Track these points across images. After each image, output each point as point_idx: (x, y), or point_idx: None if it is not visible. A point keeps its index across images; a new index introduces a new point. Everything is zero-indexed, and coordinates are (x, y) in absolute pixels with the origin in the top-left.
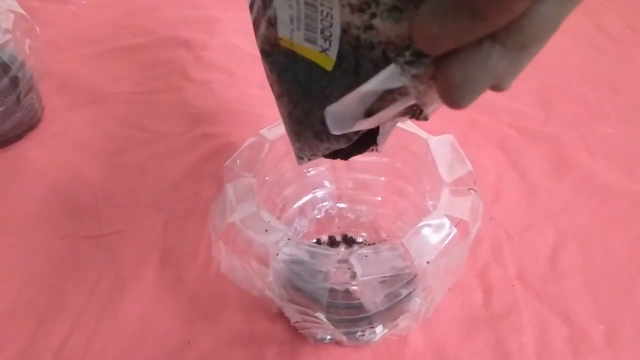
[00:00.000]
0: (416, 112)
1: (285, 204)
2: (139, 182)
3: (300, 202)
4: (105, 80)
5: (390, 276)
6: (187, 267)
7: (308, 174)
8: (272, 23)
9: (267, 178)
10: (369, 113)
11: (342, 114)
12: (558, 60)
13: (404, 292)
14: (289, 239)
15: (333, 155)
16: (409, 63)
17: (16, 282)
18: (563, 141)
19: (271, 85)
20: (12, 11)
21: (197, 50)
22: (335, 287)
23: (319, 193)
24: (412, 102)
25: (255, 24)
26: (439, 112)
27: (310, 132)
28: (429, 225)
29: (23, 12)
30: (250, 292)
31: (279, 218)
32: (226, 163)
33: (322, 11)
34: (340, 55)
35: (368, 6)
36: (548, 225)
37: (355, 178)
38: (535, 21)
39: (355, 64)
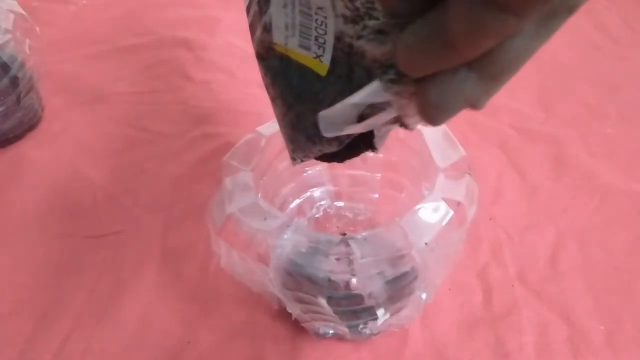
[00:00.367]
0: (403, 123)
1: (283, 203)
2: (139, 182)
3: (298, 201)
4: (105, 80)
5: (390, 263)
6: (187, 267)
7: (305, 173)
8: (267, 29)
9: (264, 177)
10: (360, 118)
11: (335, 118)
12: (558, 60)
13: (405, 280)
14: (288, 225)
15: (328, 158)
16: (392, 81)
17: (16, 282)
18: (563, 141)
19: (266, 88)
20: (12, 11)
21: (197, 50)
22: (336, 277)
23: (317, 192)
24: (395, 113)
25: (252, 28)
26: None
27: (302, 135)
28: (425, 208)
29: (23, 12)
30: (250, 287)
31: None
32: (223, 158)
33: (316, 19)
34: (333, 61)
35: (361, 19)
36: (548, 225)
37: (352, 175)
38: (507, 53)
39: (348, 71)
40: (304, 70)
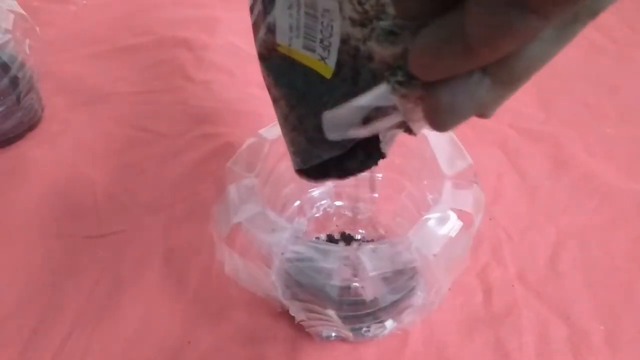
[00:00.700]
0: (408, 128)
1: (285, 203)
2: (139, 182)
3: (299, 201)
4: (105, 80)
5: (395, 271)
6: (188, 267)
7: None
8: (271, 29)
9: (266, 178)
10: (365, 121)
11: (339, 120)
12: (558, 60)
13: (409, 286)
14: (296, 237)
15: (337, 172)
16: (400, 83)
17: (16, 282)
18: (563, 141)
19: (268, 89)
20: (12, 11)
21: (197, 50)
22: (341, 283)
23: (317, 192)
24: (399, 118)
25: (255, 27)
26: None
27: (303, 138)
28: (434, 219)
29: (23, 12)
30: (254, 292)
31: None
32: (227, 164)
33: (322, 22)
34: (339, 64)
35: (370, 22)
36: (548, 225)
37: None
38: (524, 59)
39: (354, 74)
40: (307, 72)
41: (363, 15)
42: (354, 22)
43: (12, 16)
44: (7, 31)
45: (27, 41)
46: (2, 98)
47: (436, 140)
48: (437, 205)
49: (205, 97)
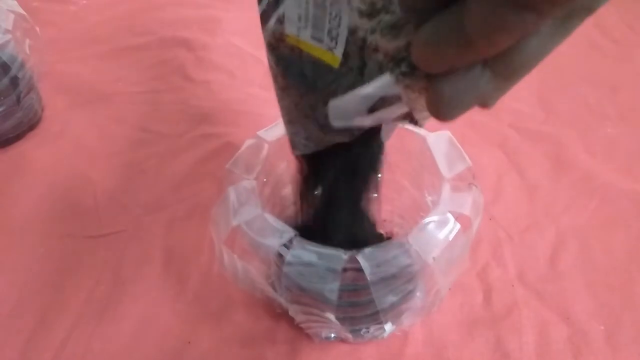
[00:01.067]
0: (413, 119)
1: (284, 204)
2: (139, 182)
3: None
4: (106, 80)
5: (394, 274)
6: (188, 267)
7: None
8: (280, 20)
9: (265, 179)
10: (371, 110)
11: (345, 109)
12: (558, 60)
13: (408, 288)
14: (296, 241)
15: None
16: (403, 74)
17: (16, 282)
18: (563, 141)
19: (275, 78)
20: (12, 11)
21: (197, 50)
22: (340, 287)
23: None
24: (405, 109)
25: (264, 17)
26: None
27: (315, 125)
28: (433, 222)
29: (23, 12)
30: (253, 293)
31: (278, 218)
32: (226, 166)
33: (331, 12)
34: (346, 54)
35: (377, 13)
36: (548, 225)
37: None
38: (523, 53)
39: (360, 64)
40: (316, 62)
41: (371, 7)
42: (362, 13)
43: (12, 16)
44: (7, 31)
45: (27, 41)
46: (2, 98)
47: (435, 142)
48: (435, 208)
49: (205, 97)
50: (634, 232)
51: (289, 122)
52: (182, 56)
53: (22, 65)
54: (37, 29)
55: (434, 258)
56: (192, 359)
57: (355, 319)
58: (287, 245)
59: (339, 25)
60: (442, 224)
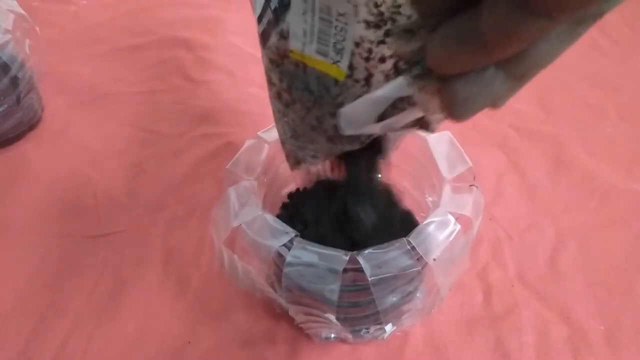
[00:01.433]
0: (424, 125)
1: (283, 204)
2: (139, 182)
3: None
4: (105, 80)
5: (394, 275)
6: (188, 267)
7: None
8: (284, 36)
9: (265, 180)
10: (380, 118)
11: (355, 116)
12: (558, 60)
13: (408, 289)
14: (296, 241)
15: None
16: (417, 77)
17: (16, 282)
18: (563, 141)
19: (278, 95)
20: (12, 11)
21: (197, 50)
22: (340, 288)
23: None
24: (421, 113)
25: (264, 36)
26: None
27: (323, 137)
28: (433, 223)
29: (23, 12)
30: (253, 294)
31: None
32: (227, 166)
33: (336, 26)
34: (351, 67)
35: (384, 23)
36: (548, 225)
37: None
38: (535, 55)
39: (366, 75)
40: (321, 75)
41: (378, 17)
42: (368, 24)
43: (12, 16)
44: (7, 31)
45: (27, 41)
46: (2, 98)
47: (436, 143)
48: (436, 209)
49: (205, 97)
50: (634, 232)
51: (294, 137)
52: (182, 56)
53: (22, 65)
54: (37, 29)
55: (434, 259)
56: (192, 359)
57: (356, 320)
58: (288, 246)
59: (344, 39)
60: (443, 224)
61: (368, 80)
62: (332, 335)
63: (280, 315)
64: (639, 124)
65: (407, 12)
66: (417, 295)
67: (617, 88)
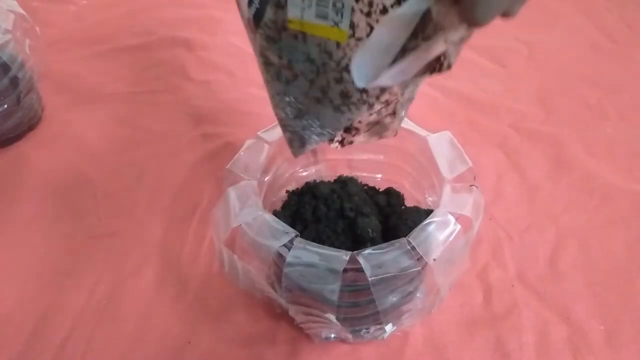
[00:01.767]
0: (438, 65)
1: (283, 203)
2: (139, 182)
3: None
4: (105, 80)
5: (394, 275)
6: (188, 267)
7: (303, 173)
8: (281, 5)
9: (265, 180)
10: (394, 61)
11: (369, 61)
12: (558, 60)
13: (408, 289)
14: (297, 242)
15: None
16: None
17: (16, 282)
18: (563, 141)
19: (278, 74)
20: (12, 11)
21: (197, 50)
22: (341, 288)
23: None
24: (434, 52)
25: (257, 17)
26: (439, 111)
27: (330, 108)
28: (433, 223)
29: (23, 12)
30: (253, 294)
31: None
32: (227, 166)
33: None
34: (352, 25)
35: None
36: (548, 225)
37: (353, 175)
38: None
39: (369, 30)
40: (322, 43)
41: None
42: None
43: (12, 16)
44: (7, 31)
45: (27, 41)
46: (2, 98)
47: (436, 143)
48: (436, 209)
49: (205, 97)
50: (634, 232)
51: (298, 117)
52: (182, 56)
53: (22, 65)
54: (37, 29)
55: (434, 259)
56: (192, 359)
57: (356, 320)
58: (288, 246)
59: None
60: (443, 225)
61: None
62: (332, 335)
63: (280, 315)
64: (639, 124)
65: None
66: (417, 295)
67: (617, 88)
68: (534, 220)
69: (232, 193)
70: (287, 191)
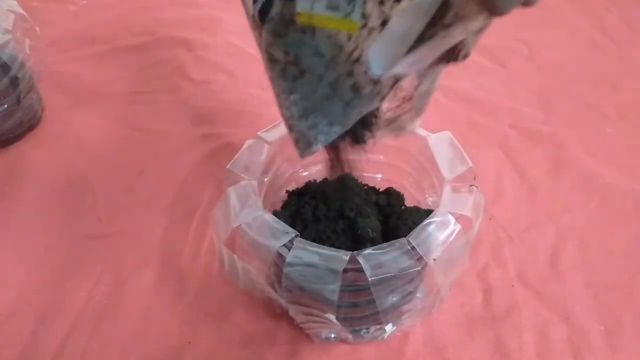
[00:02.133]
0: (454, 54)
1: (283, 203)
2: (139, 182)
3: None
4: (105, 80)
5: (394, 275)
6: (188, 267)
7: (304, 173)
8: None
9: (265, 179)
10: (409, 50)
11: (386, 50)
12: (558, 60)
13: (408, 289)
14: (297, 242)
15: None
16: None
17: (16, 282)
18: (563, 141)
19: (284, 71)
20: (12, 11)
21: (197, 50)
22: (341, 288)
23: None
24: (451, 41)
25: (263, 11)
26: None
27: (339, 104)
28: (433, 223)
29: (23, 12)
30: (253, 294)
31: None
32: (227, 166)
33: None
34: (365, 15)
35: None
36: (548, 225)
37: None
38: None
39: (382, 20)
40: (332, 35)
41: None
42: None
43: (12, 16)
44: (7, 31)
45: (27, 41)
46: (2, 98)
47: (436, 143)
48: (436, 209)
49: (205, 97)
50: (634, 232)
51: (304, 115)
52: (181, 56)
53: (22, 65)
54: (37, 29)
55: (434, 259)
56: (192, 359)
57: (356, 320)
58: (288, 246)
59: None
60: (443, 225)
61: (385, 26)
62: (332, 335)
63: (280, 315)
64: (639, 124)
65: None
66: (417, 295)
67: (617, 88)
68: (534, 220)
69: (232, 193)
70: (287, 191)
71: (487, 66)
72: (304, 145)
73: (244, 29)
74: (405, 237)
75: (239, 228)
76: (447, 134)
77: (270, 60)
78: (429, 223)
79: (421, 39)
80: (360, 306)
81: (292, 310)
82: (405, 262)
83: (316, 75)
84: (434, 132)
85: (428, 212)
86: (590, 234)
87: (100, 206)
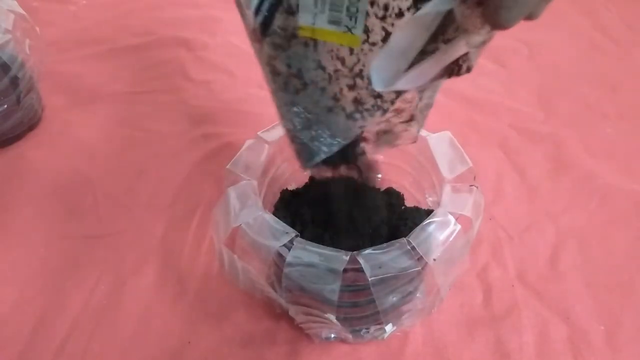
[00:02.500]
0: (457, 68)
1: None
2: (139, 182)
3: None
4: (105, 80)
5: (394, 275)
6: (188, 267)
7: (303, 173)
8: (292, 12)
9: (265, 180)
10: (411, 64)
11: (387, 66)
12: (558, 60)
13: (408, 289)
14: (297, 242)
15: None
16: None
17: (16, 282)
18: (563, 141)
19: (286, 84)
20: (12, 11)
21: (197, 50)
22: (341, 288)
23: None
24: (454, 55)
25: (265, 25)
26: (439, 111)
27: (341, 116)
28: (433, 223)
29: (23, 12)
30: (254, 294)
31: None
32: (227, 166)
33: None
34: (366, 30)
35: None
36: (548, 225)
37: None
38: None
39: (384, 35)
40: (334, 48)
41: None
42: None
43: (12, 16)
44: (7, 31)
45: (27, 41)
46: (2, 98)
47: (436, 143)
48: (436, 209)
49: (205, 97)
50: (634, 232)
51: (306, 127)
52: (181, 56)
53: (22, 65)
54: (37, 29)
55: (434, 259)
56: (192, 359)
57: (356, 320)
58: (288, 246)
59: (358, 0)
60: (443, 225)
61: (386, 40)
62: (332, 335)
63: (280, 315)
64: (639, 124)
65: None
66: (417, 295)
67: (617, 88)
68: (534, 220)
69: (232, 193)
70: (288, 191)
71: (487, 66)
72: (306, 156)
73: (244, 29)
74: (405, 237)
75: (239, 228)
76: (447, 134)
77: (272, 73)
78: (429, 223)
79: (423, 54)
80: (360, 306)
81: (292, 311)
82: (405, 262)
83: (319, 88)
84: (434, 132)
85: (428, 212)
86: (590, 234)
87: (100, 206)
